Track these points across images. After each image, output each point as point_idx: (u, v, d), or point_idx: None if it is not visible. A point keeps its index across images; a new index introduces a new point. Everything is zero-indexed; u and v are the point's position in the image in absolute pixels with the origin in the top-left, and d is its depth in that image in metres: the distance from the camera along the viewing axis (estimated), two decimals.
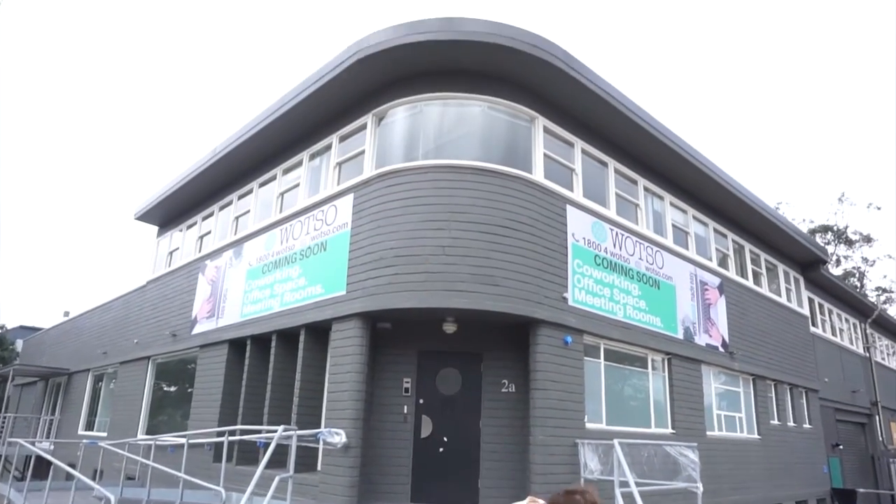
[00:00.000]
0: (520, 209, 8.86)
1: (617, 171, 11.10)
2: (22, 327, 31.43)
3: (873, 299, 40.79)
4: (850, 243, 43.77)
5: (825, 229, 44.10)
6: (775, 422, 14.56)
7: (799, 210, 61.52)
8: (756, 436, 13.60)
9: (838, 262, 44.21)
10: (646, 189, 11.79)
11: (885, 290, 44.44)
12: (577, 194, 9.98)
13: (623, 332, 10.17)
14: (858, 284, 43.45)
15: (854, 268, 44.52)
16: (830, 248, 43.70)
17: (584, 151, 10.39)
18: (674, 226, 12.41)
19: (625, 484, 7.59)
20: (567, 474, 8.34)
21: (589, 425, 9.15)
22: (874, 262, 43.77)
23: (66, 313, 28.07)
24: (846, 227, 43.02)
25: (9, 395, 23.61)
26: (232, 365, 11.51)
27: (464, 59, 8.91)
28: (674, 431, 10.83)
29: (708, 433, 11.85)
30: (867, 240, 43.22)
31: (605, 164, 10.88)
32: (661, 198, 12.26)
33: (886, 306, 42.10)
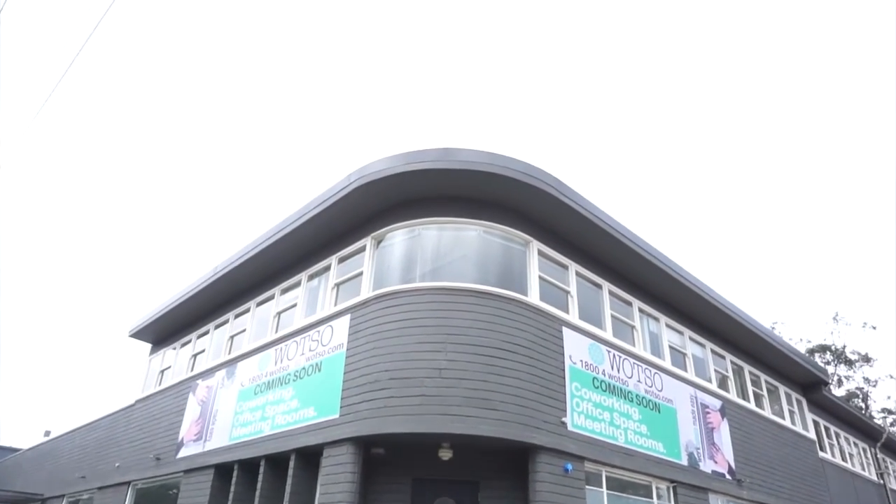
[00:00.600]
0: (516, 331, 8.88)
1: (611, 293, 11.24)
2: (1, 448, 30.12)
3: (879, 421, 39.76)
4: (849, 363, 43.36)
5: (823, 349, 43.86)
6: None
7: (795, 330, 61.47)
8: None
9: (840, 382, 43.57)
10: (641, 310, 11.88)
11: (890, 412, 43.42)
12: (572, 316, 10.04)
13: (625, 459, 9.83)
14: (863, 406, 42.55)
15: (857, 388, 43.78)
16: (831, 369, 43.22)
17: (578, 274, 10.58)
18: (671, 347, 12.37)
19: None
20: None
21: None
22: (876, 382, 43.15)
23: (47, 433, 27.07)
24: (844, 347, 42.80)
25: None
26: (217, 492, 10.97)
27: (460, 186, 9.31)
28: None
29: None
30: (866, 359, 42.87)
31: (599, 286, 11.04)
32: (656, 319, 12.32)
33: (895, 429, 40.96)
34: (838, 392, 42.25)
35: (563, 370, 9.35)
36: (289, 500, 9.02)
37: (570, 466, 8.67)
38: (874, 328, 44.41)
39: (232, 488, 10.44)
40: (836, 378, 43.40)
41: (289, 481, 9.18)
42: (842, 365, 43.46)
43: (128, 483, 14.07)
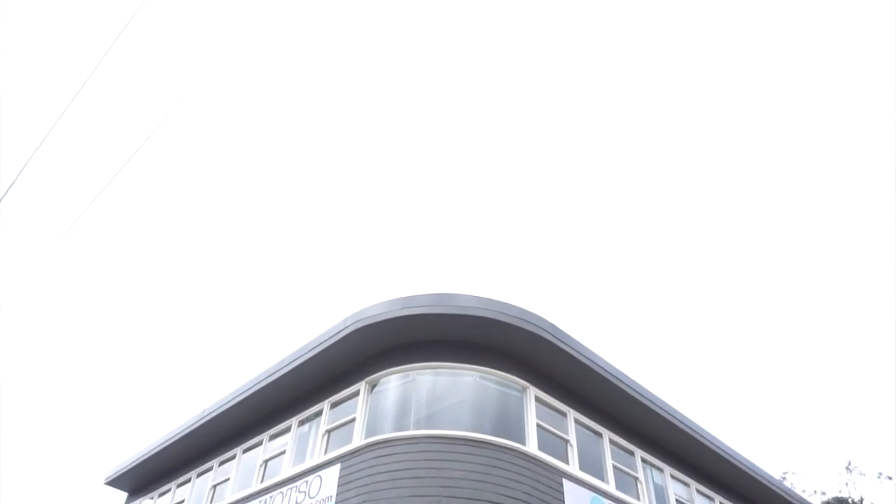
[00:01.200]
0: (515, 483, 8.45)
1: (612, 442, 10.86)
2: None
3: None
4: None
5: (840, 502, 41.60)
6: None
7: (807, 481, 58.56)
8: None
9: None
10: (644, 460, 11.41)
11: None
12: (573, 467, 9.62)
13: None
14: None
15: None
16: None
17: (577, 421, 10.29)
18: (677, 500, 11.73)
19: None
20: None
21: None
22: None
23: None
24: (861, 500, 40.67)
25: None
26: None
27: (456, 331, 9.34)
28: None
29: None
30: None
31: (600, 434, 10.70)
32: (660, 470, 11.80)
33: None
34: None
35: None
36: None
37: None
38: (889, 478, 42.47)
39: None
40: None
41: None
42: None
43: None
